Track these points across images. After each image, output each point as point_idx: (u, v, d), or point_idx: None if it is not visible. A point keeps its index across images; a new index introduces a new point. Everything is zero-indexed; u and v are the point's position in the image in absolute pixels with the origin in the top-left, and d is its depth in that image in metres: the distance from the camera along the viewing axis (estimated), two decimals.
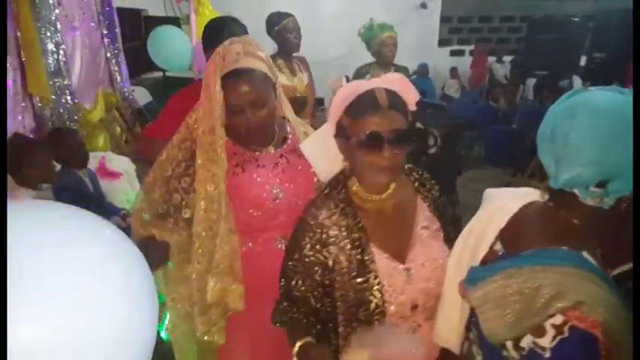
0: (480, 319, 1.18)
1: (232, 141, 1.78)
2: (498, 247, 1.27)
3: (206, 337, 1.81)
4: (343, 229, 1.41)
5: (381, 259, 1.40)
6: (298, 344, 1.40)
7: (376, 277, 1.37)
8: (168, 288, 1.92)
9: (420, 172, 1.56)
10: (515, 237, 1.24)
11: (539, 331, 1.07)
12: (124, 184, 3.62)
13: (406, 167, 1.52)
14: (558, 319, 1.05)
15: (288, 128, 1.94)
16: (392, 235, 1.44)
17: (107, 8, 6.55)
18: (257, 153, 1.81)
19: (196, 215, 1.73)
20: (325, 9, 10.13)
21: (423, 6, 11.13)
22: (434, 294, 1.43)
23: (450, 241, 1.49)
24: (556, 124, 1.15)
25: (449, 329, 1.41)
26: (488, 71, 10.72)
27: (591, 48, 8.77)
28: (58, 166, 2.90)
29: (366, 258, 1.39)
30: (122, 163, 3.80)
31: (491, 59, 10.86)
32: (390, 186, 1.44)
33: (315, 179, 1.75)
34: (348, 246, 1.40)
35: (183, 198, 1.79)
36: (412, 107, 1.40)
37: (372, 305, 1.37)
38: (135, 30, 8.00)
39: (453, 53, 11.97)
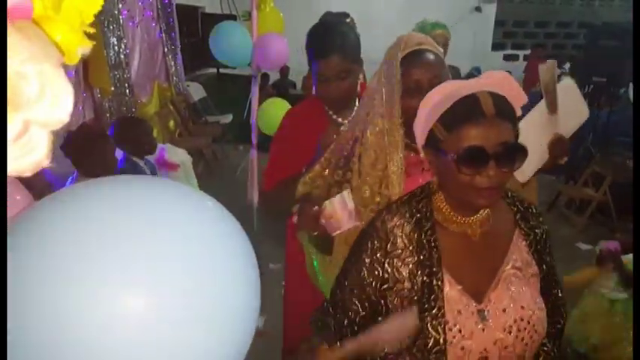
0: None
1: None
2: None
3: None
4: (413, 243, 1.19)
5: (452, 290, 1.15)
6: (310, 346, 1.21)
7: (441, 308, 1.13)
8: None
9: (525, 204, 1.29)
10: None
11: None
12: (181, 176, 3.70)
13: (509, 194, 1.29)
14: None
15: None
16: (472, 266, 1.19)
17: (166, 4, 6.72)
18: (422, 155, 1.58)
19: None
20: (379, 11, 10.13)
21: (478, 9, 10.99)
22: (514, 352, 1.14)
23: (548, 294, 1.23)
24: None
25: None
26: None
27: None
28: (121, 155, 2.97)
29: (435, 283, 1.15)
30: (180, 155, 3.89)
31: None
32: (482, 210, 1.18)
33: None
34: (414, 265, 1.17)
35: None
36: (518, 112, 1.16)
37: (431, 342, 1.12)
38: (192, 27, 8.18)
39: (507, 58, 11.75)
